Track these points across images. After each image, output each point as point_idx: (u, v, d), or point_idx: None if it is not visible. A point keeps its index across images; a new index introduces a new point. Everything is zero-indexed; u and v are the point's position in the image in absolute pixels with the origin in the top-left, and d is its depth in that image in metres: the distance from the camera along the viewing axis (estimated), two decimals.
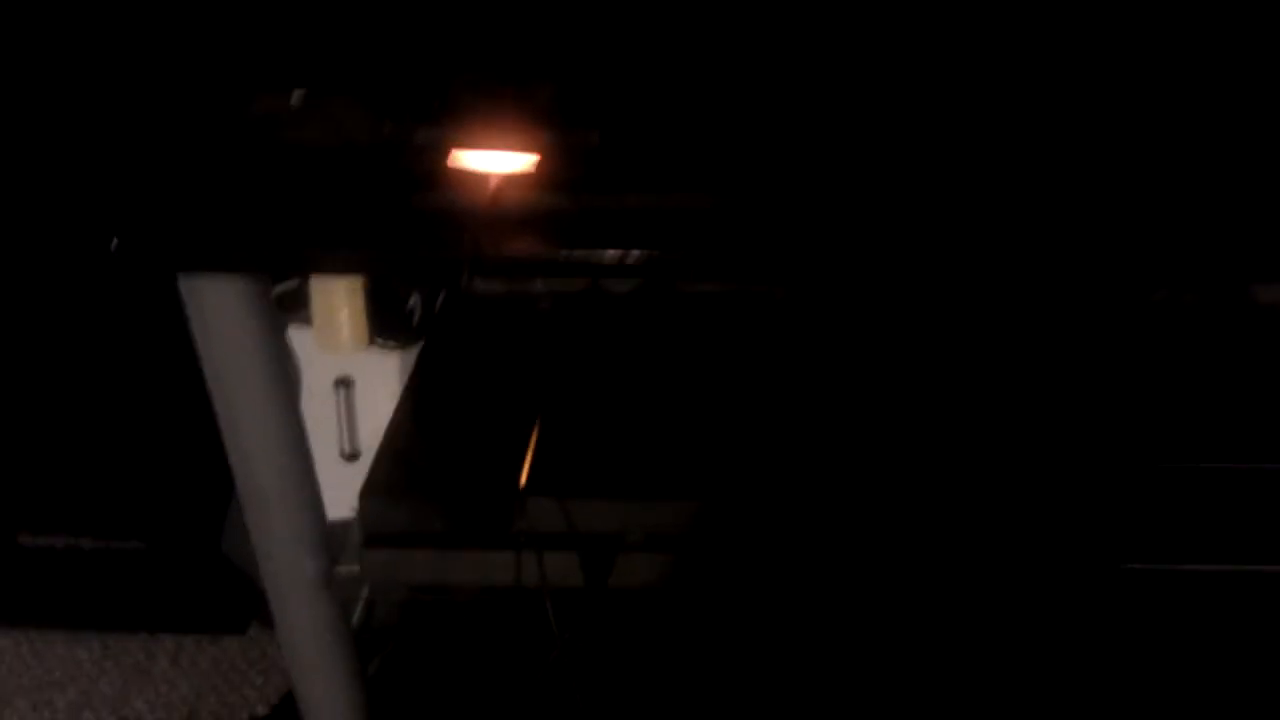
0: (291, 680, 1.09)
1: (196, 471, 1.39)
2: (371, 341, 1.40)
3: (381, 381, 1.41)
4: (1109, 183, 0.87)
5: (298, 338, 1.37)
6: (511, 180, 0.85)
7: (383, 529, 1.01)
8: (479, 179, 0.85)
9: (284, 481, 0.97)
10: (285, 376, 0.95)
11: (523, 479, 1.00)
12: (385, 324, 1.40)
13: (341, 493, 1.10)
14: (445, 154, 0.85)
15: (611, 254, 0.84)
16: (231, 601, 1.46)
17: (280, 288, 1.33)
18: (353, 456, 1.40)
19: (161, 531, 1.43)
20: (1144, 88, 0.93)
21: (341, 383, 1.40)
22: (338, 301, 1.38)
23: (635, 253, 0.85)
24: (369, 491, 1.02)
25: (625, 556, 1.01)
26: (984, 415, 1.06)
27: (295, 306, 1.36)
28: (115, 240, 0.86)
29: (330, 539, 1.04)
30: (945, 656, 1.08)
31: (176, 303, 0.93)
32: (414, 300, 1.44)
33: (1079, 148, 0.89)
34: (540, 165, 0.84)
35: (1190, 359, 1.13)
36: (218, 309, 0.89)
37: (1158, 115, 0.91)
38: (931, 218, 0.85)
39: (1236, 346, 1.15)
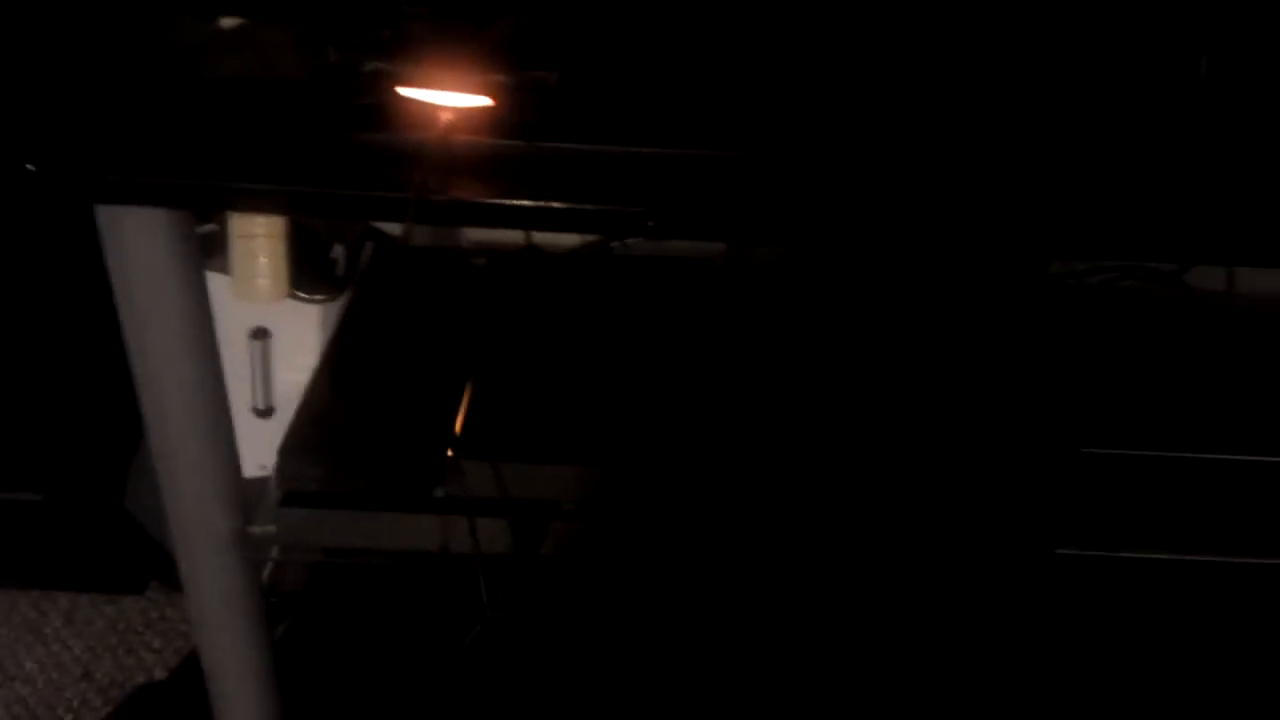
0: (196, 643, 1.04)
1: (99, 421, 1.32)
2: (291, 292, 1.33)
3: (299, 335, 1.34)
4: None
5: (213, 285, 1.30)
6: (464, 120, 0.79)
7: (302, 488, 0.96)
8: (429, 116, 0.79)
9: (200, 435, 0.91)
10: (208, 322, 0.89)
11: (451, 441, 0.96)
12: (306, 274, 1.34)
13: (253, 450, 1.04)
14: (393, 88, 0.79)
15: (563, 206, 0.79)
16: (130, 560, 1.39)
17: (197, 230, 1.26)
18: (266, 412, 1.33)
19: (60, 484, 1.35)
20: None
21: (257, 334, 1.33)
22: (257, 248, 1.31)
23: (588, 207, 0.80)
24: (288, 448, 0.97)
25: (557, 524, 0.97)
26: (917, 391, 1.04)
27: (212, 252, 1.29)
28: (30, 165, 0.79)
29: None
30: (885, 636, 1.06)
31: (80, 239, 0.87)
32: (337, 250, 1.37)
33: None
34: (495, 106, 0.79)
35: (1128, 344, 1.12)
36: (138, 244, 0.83)
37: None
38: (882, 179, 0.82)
39: (1171, 332, 1.15)
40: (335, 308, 1.30)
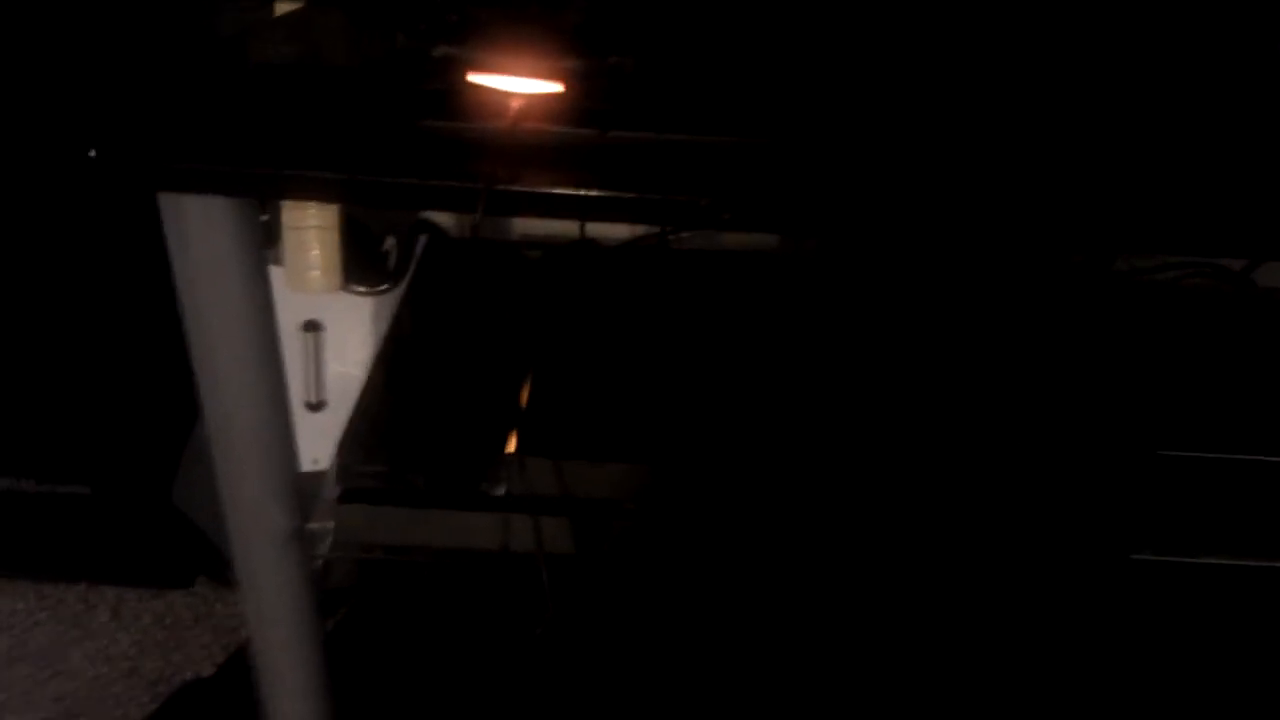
0: (250, 638, 1.02)
1: (148, 413, 1.31)
2: (344, 284, 1.32)
3: (352, 327, 1.32)
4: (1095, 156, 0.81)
5: None
6: (534, 107, 0.77)
7: (360, 484, 0.94)
8: (499, 104, 0.77)
9: (260, 428, 0.90)
10: (270, 314, 0.87)
11: (512, 439, 0.94)
12: (359, 267, 1.32)
13: (304, 444, 1.02)
14: (462, 74, 0.77)
15: (633, 197, 0.77)
16: (179, 554, 1.38)
17: None
18: (318, 406, 1.32)
19: (109, 476, 1.34)
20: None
21: (310, 326, 1.31)
22: (310, 239, 1.30)
23: (658, 197, 0.77)
24: (347, 444, 0.95)
25: (618, 523, 0.94)
26: (983, 392, 1.01)
27: (264, 243, 1.28)
28: (93, 151, 0.78)
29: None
30: (947, 642, 1.03)
31: (133, 228, 0.85)
32: (389, 243, 1.35)
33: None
34: (566, 92, 0.77)
35: (1198, 344, 1.09)
36: (202, 233, 0.81)
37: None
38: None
39: (1241, 332, 1.12)
40: (388, 300, 1.28)
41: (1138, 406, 1.00)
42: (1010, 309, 1.13)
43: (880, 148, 0.79)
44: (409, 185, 0.77)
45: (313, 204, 1.24)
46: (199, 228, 0.81)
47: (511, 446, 0.93)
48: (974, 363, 1.05)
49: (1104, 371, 1.05)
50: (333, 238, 1.31)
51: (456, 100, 0.77)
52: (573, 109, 0.77)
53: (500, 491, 0.93)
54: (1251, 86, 0.84)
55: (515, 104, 0.78)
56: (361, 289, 1.31)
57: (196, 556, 1.37)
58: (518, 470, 0.92)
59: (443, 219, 1.32)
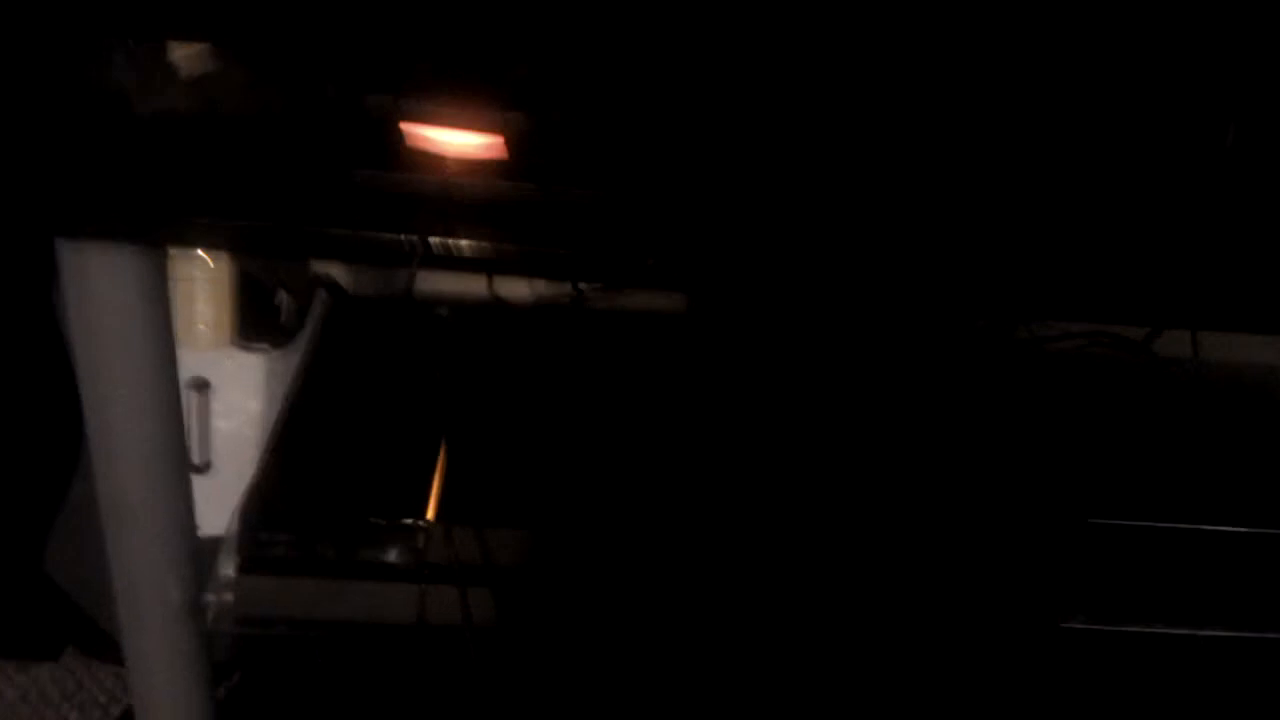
0: (135, 713, 0.95)
1: (18, 471, 1.22)
2: (234, 340, 1.26)
3: (241, 386, 1.27)
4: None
5: None
6: (471, 162, 0.74)
7: (263, 553, 0.88)
8: (434, 156, 0.74)
9: (157, 493, 0.84)
10: (172, 371, 0.81)
11: (430, 505, 0.89)
12: (250, 322, 1.26)
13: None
14: (396, 127, 0.74)
15: (578, 254, 0.74)
16: (44, 623, 1.28)
17: None
18: (203, 467, 1.25)
19: None
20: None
21: (196, 384, 1.25)
22: (196, 291, 1.23)
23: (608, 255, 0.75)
24: (249, 510, 0.89)
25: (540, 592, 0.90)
26: (895, 459, 1.00)
27: None
28: None
29: None
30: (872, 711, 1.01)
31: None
32: (281, 297, 1.30)
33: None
34: (506, 147, 0.74)
35: (1101, 412, 1.10)
36: (105, 284, 0.76)
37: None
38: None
39: (1145, 401, 1.13)
40: (280, 358, 1.23)
41: (1052, 475, 1.00)
42: (916, 375, 1.13)
43: (796, 209, 0.78)
44: (336, 236, 0.72)
45: (200, 254, 1.19)
46: (101, 277, 0.76)
47: (431, 513, 0.89)
48: (882, 430, 1.04)
49: (1015, 441, 1.05)
50: (223, 291, 1.25)
51: (391, 151, 0.73)
52: (511, 163, 0.74)
53: (415, 561, 0.89)
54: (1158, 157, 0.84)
55: (451, 156, 0.74)
56: (253, 345, 1.26)
57: (65, 626, 1.27)
58: (440, 538, 0.87)
59: (337, 273, 1.27)
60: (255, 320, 1.25)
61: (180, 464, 0.84)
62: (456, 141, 0.74)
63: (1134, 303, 0.81)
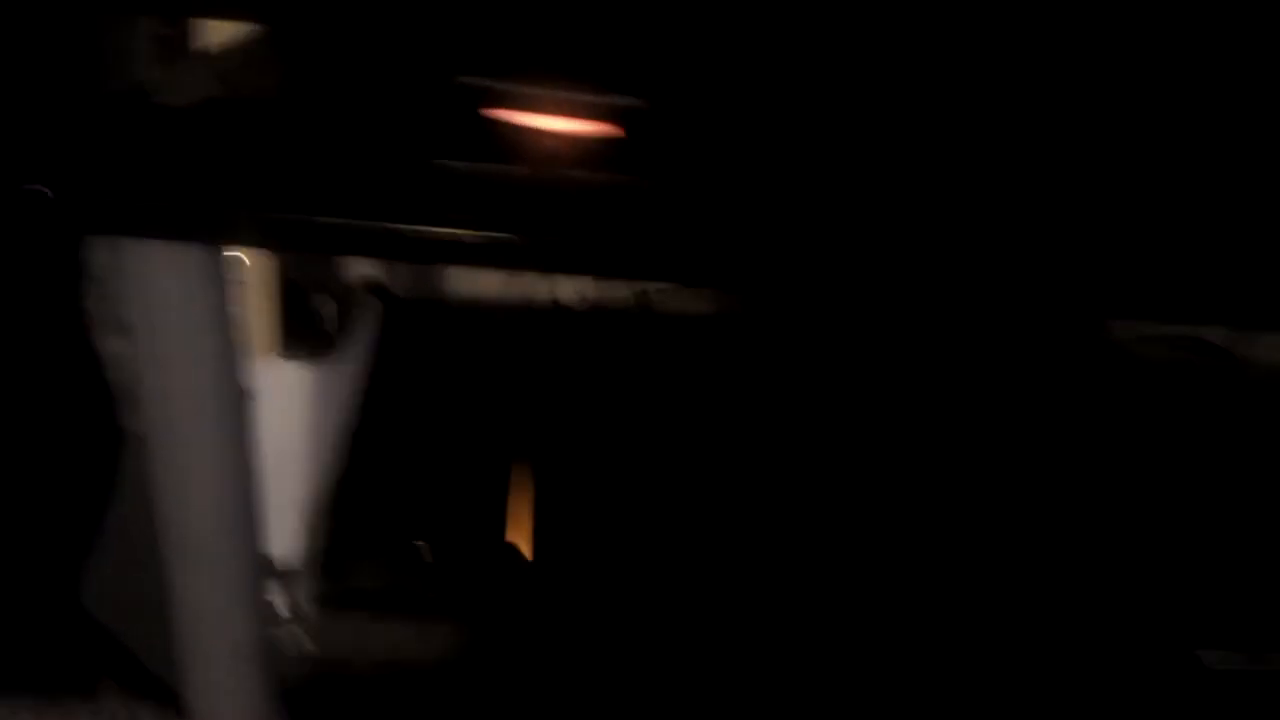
0: None
1: (51, 499, 1.14)
2: (279, 349, 1.18)
3: (285, 396, 1.18)
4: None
5: None
6: (570, 150, 0.66)
7: (341, 587, 0.80)
8: (529, 145, 0.66)
9: (225, 522, 0.76)
10: (241, 388, 0.74)
11: (515, 531, 0.82)
12: (294, 330, 1.18)
13: None
14: (488, 112, 0.66)
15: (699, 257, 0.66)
16: (80, 657, 1.20)
17: None
18: None
19: (4, 574, 1.16)
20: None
21: None
22: (243, 299, 1.16)
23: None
24: (326, 540, 0.82)
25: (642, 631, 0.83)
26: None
27: None
28: (49, 192, 0.64)
29: None
30: None
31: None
32: (324, 302, 1.22)
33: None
34: (614, 136, 0.66)
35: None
36: (168, 286, 0.68)
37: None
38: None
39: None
40: (325, 366, 1.15)
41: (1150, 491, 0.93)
42: (1004, 381, 1.05)
43: (885, 211, 0.70)
44: (425, 237, 0.64)
45: (245, 258, 1.11)
46: (163, 279, 0.68)
47: (527, 552, 0.81)
48: (975, 439, 0.96)
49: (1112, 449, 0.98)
50: (267, 297, 1.17)
51: (478, 138, 0.66)
52: (617, 154, 0.66)
53: (502, 593, 0.81)
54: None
55: (549, 145, 0.66)
56: (297, 353, 1.18)
57: (102, 660, 1.19)
58: (528, 567, 0.79)
59: (392, 278, 1.20)
60: (300, 327, 1.17)
61: (249, 490, 0.76)
62: (555, 128, 0.66)
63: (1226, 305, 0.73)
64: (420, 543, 0.77)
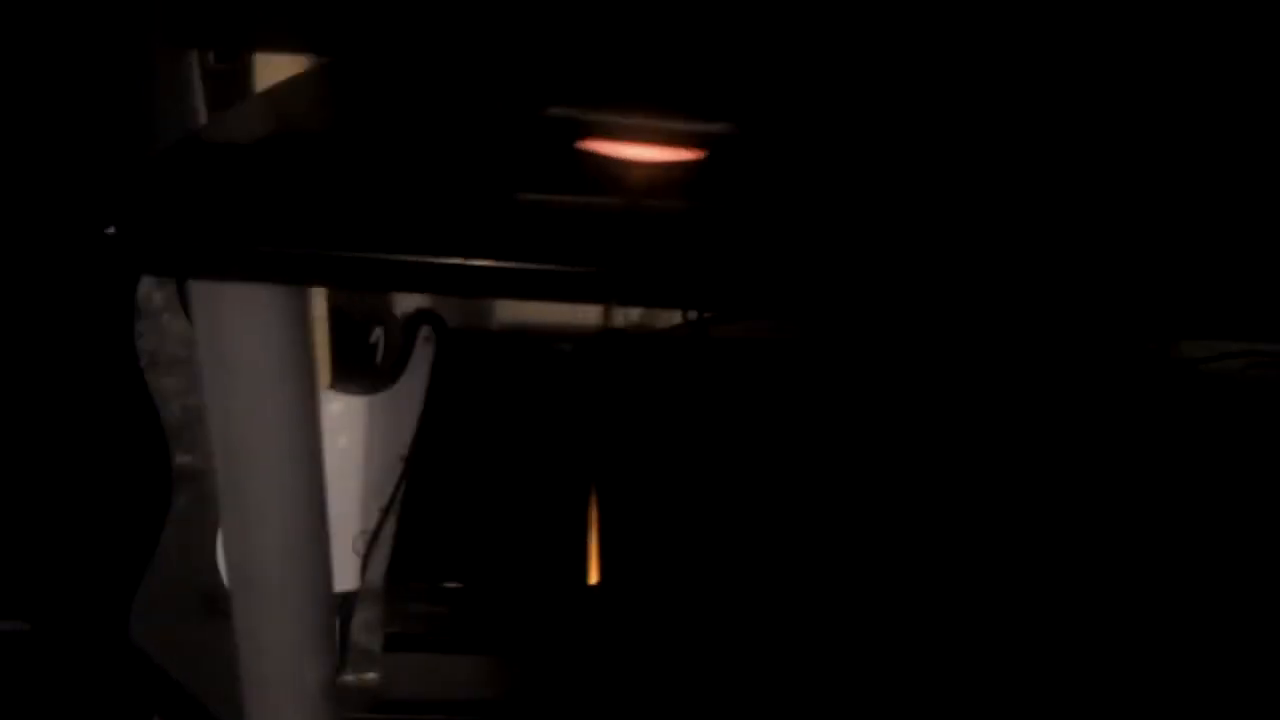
0: None
1: (103, 531, 1.13)
2: (331, 384, 1.16)
3: (339, 431, 1.17)
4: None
5: None
6: (661, 180, 0.65)
7: (414, 628, 0.78)
8: (617, 176, 0.64)
9: (296, 558, 0.74)
10: (315, 421, 0.72)
11: (593, 568, 0.80)
12: (346, 363, 1.17)
13: None
14: (571, 141, 0.64)
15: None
16: (129, 695, 1.18)
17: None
18: None
19: (52, 609, 1.15)
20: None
21: None
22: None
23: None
24: (396, 579, 0.80)
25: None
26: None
27: None
28: (111, 227, 0.62)
29: None
30: None
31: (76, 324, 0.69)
32: (377, 334, 1.21)
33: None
34: (703, 162, 0.64)
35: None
36: (246, 330, 0.66)
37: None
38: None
39: None
40: (381, 401, 1.13)
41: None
42: (1067, 399, 1.03)
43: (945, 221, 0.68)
44: (517, 271, 0.62)
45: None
46: (241, 322, 0.66)
47: (593, 577, 0.79)
48: (1038, 459, 0.94)
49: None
50: (318, 330, 1.16)
51: (565, 170, 0.64)
52: (705, 182, 0.64)
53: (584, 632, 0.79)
54: None
55: (639, 175, 0.65)
56: (349, 387, 1.16)
57: (151, 697, 1.17)
58: (608, 604, 0.77)
59: (445, 309, 1.18)
60: (352, 361, 1.16)
61: (322, 524, 0.75)
62: (642, 158, 0.65)
63: None
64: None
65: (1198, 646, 0.82)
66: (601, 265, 0.59)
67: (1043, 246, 0.64)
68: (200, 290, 0.66)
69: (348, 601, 0.91)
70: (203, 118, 0.94)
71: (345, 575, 0.97)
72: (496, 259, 0.61)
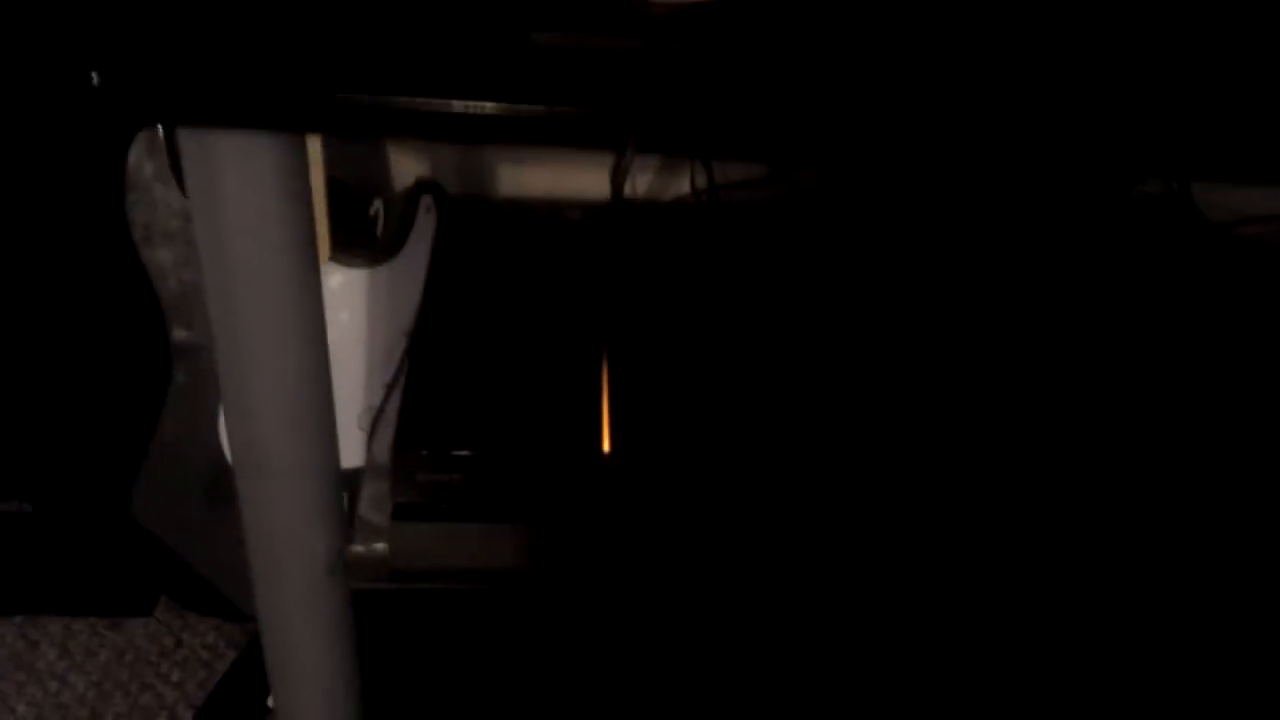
0: (272, 687, 0.84)
1: (103, 410, 1.10)
2: (330, 256, 1.13)
3: (340, 304, 1.14)
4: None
5: None
6: (682, 18, 0.61)
7: (422, 498, 0.76)
8: (634, 13, 0.60)
9: (302, 433, 0.71)
10: (318, 287, 0.69)
11: (605, 438, 0.77)
12: (344, 235, 1.13)
13: None
14: None
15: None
16: (137, 575, 1.17)
17: None
18: None
19: (55, 489, 1.13)
20: None
21: None
22: None
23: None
24: (403, 447, 0.77)
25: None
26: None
27: None
28: (94, 75, 0.59)
29: None
30: None
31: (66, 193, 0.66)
32: (376, 206, 1.17)
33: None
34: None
35: None
36: (240, 184, 0.62)
37: None
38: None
39: None
40: (381, 273, 1.10)
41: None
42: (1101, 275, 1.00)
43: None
44: (534, 116, 0.58)
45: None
46: (233, 177, 0.63)
47: (606, 446, 0.76)
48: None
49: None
50: (316, 202, 1.12)
51: (581, 9, 0.60)
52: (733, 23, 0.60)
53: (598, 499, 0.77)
54: None
55: (659, 14, 0.61)
56: (347, 259, 1.13)
57: (158, 575, 1.16)
58: (621, 473, 0.75)
59: (445, 177, 1.14)
60: (351, 232, 1.12)
61: (327, 399, 0.72)
62: None
63: None
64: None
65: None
66: (617, 108, 0.56)
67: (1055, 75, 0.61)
68: (193, 155, 0.62)
69: (353, 479, 0.88)
70: None
71: (351, 453, 0.95)
72: (511, 102, 0.58)
